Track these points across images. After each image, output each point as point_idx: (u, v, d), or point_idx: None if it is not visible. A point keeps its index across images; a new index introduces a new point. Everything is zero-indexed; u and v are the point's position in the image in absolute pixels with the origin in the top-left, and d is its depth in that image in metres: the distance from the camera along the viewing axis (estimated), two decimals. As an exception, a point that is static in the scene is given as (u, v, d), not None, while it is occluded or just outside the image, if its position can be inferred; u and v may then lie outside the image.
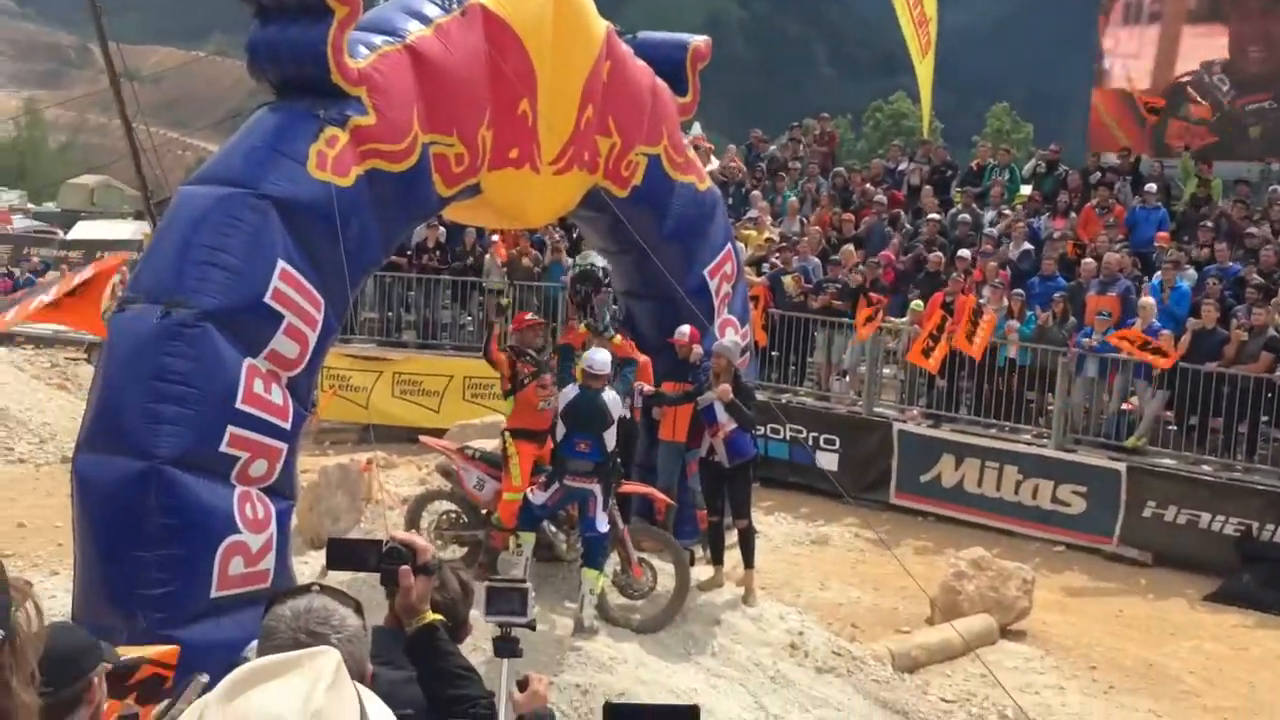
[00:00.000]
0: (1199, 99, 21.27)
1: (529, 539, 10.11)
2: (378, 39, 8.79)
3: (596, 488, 9.89)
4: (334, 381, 18.30)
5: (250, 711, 2.02)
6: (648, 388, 11.09)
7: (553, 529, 10.53)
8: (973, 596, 12.82)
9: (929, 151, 22.22)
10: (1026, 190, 20.39)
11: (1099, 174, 19.54)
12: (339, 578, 6.20)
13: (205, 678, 2.83)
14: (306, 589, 2.75)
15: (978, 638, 12.42)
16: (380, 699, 2.27)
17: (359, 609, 2.78)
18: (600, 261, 10.98)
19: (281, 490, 8.39)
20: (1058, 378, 15.93)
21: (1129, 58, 22.38)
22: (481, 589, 3.77)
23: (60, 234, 50.84)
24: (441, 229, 18.85)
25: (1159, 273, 16.72)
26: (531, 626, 3.73)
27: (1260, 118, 21.13)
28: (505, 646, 3.70)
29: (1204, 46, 21.55)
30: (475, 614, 3.96)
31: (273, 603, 2.73)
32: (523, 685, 3.78)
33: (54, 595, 10.99)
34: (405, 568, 3.30)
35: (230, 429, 7.89)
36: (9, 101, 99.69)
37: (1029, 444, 16.27)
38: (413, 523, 10.90)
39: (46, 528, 13.54)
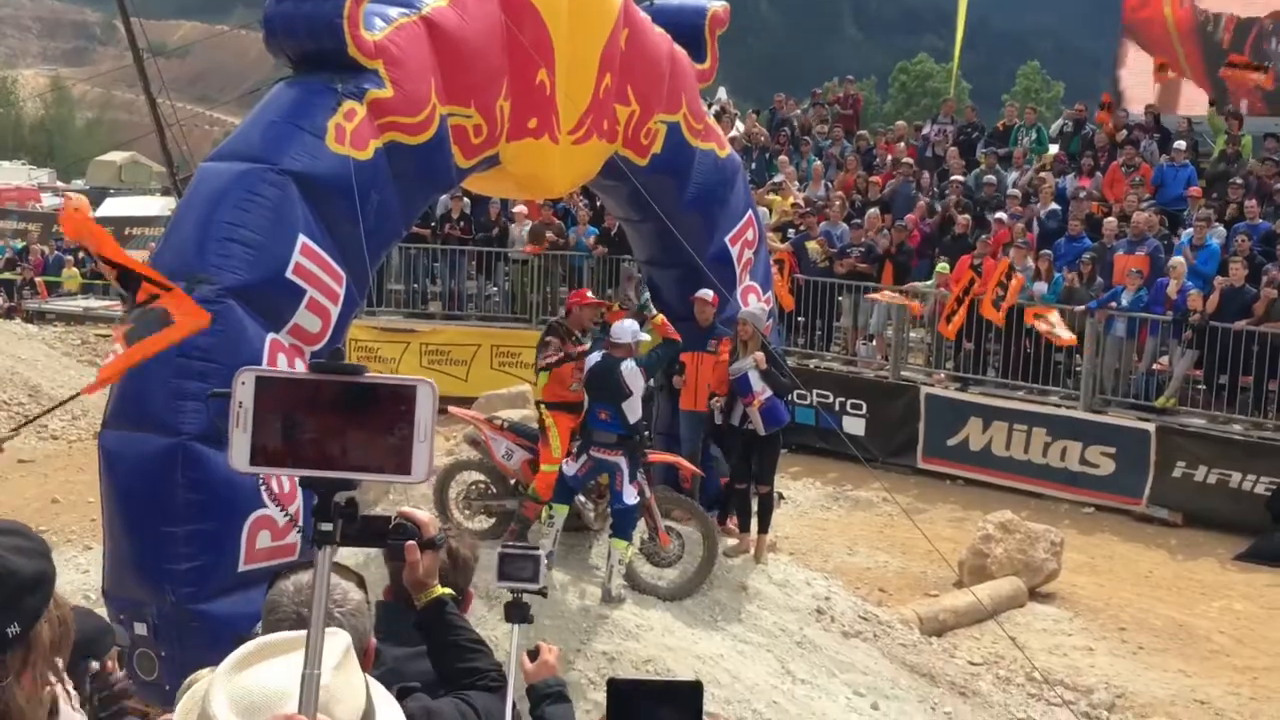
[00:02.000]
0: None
1: (562, 511, 10.14)
2: (394, 11, 8.75)
3: (622, 460, 9.93)
4: (362, 354, 18.38)
5: (254, 687, 2.04)
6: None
7: (581, 498, 10.57)
8: (1001, 559, 12.80)
9: (951, 111, 22.10)
10: (1054, 150, 20.22)
11: (1125, 132, 19.34)
12: (346, 554, 6.24)
13: None
14: (308, 564, 2.76)
15: (1006, 600, 12.42)
16: (388, 674, 2.29)
17: (361, 583, 2.80)
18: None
19: (307, 463, 8.40)
20: (1085, 339, 15.84)
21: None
22: (494, 555, 3.78)
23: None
24: (465, 200, 18.87)
25: (1189, 229, 16.56)
26: (543, 593, 3.74)
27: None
28: (516, 611, 3.70)
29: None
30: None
31: (275, 578, 2.75)
32: (533, 655, 3.80)
33: (87, 570, 11.14)
34: (412, 543, 3.32)
35: (254, 404, 7.92)
36: (36, 79, 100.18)
37: (1057, 406, 16.20)
38: (441, 493, 10.94)
39: (80, 503, 13.69)
